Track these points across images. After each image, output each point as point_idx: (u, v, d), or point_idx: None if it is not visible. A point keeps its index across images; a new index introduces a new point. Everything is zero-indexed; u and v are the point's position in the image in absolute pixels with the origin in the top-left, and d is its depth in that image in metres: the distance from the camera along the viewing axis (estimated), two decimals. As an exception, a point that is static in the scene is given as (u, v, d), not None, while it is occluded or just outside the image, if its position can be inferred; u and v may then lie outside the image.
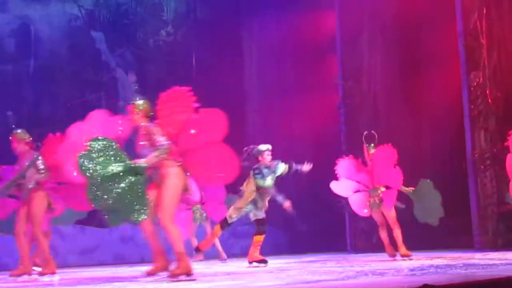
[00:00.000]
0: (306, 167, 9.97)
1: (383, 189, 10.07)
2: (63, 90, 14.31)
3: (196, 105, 7.30)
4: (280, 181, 10.37)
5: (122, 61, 15.02)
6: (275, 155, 14.42)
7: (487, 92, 11.94)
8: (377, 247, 12.71)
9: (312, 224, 13.78)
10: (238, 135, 14.90)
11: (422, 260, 9.43)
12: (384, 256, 10.93)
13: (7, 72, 13.93)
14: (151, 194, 7.09)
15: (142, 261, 12.42)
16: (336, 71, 14.18)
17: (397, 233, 10.04)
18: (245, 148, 9.79)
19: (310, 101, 14.50)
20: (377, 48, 13.84)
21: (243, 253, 12.99)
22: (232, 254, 12.35)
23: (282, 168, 9.95)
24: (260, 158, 9.88)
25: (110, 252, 12.84)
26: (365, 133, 10.48)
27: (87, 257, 12.53)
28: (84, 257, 12.52)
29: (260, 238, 9.85)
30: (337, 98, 14.11)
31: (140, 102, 7.45)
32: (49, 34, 14.40)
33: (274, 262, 10.58)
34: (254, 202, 9.77)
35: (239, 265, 10.36)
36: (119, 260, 12.60)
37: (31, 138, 8.79)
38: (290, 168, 9.96)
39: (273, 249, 13.08)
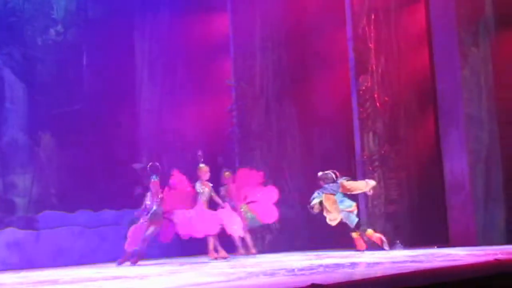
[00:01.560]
0: None
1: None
2: None
3: None
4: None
5: (9, 60, 14.47)
6: (169, 156, 14.35)
7: (375, 96, 12.30)
8: (268, 248, 12.88)
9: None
10: (130, 135, 14.78)
11: (312, 259, 9.59)
12: (275, 256, 11.08)
13: None
14: None
15: (30, 266, 12.02)
16: (229, 73, 14.21)
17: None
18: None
19: (203, 103, 14.50)
20: (268, 51, 13.99)
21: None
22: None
23: None
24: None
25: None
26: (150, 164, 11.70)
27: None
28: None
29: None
30: (230, 100, 14.15)
31: None
32: None
33: (167, 265, 10.49)
34: None
35: (129, 269, 10.20)
36: (4, 266, 12.10)
37: None
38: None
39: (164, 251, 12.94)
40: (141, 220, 11.50)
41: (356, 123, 12.32)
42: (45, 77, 14.62)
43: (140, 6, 15.27)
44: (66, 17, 14.96)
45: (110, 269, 10.42)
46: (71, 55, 14.85)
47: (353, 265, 8.12)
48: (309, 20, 13.57)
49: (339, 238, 11.82)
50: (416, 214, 12.18)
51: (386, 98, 12.33)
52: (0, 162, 13.85)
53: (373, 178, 11.84)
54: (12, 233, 12.40)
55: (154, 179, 11.50)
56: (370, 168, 12.17)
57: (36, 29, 14.58)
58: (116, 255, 11.69)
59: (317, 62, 13.55)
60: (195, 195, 11.71)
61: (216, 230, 11.39)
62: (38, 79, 14.56)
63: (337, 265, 8.16)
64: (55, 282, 8.34)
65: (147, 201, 11.55)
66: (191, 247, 12.54)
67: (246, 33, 14.04)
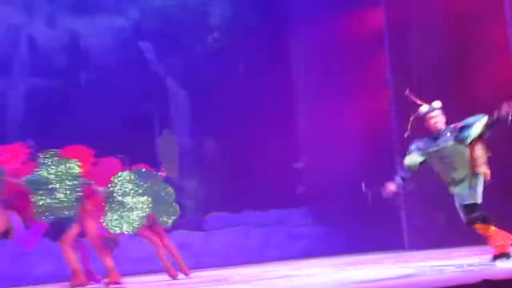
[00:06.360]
0: None
1: None
2: (117, 102, 14.16)
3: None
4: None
5: (171, 70, 15.13)
6: (325, 154, 14.25)
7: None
8: (434, 244, 12.54)
9: (366, 222, 13.58)
10: (287, 136, 14.95)
11: (480, 255, 9.24)
12: (443, 252, 10.79)
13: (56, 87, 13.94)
14: None
15: (199, 266, 12.41)
16: (385, 67, 14.03)
17: None
18: None
19: (359, 99, 14.40)
20: (427, 42, 13.57)
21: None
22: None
23: None
24: None
25: None
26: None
27: None
28: None
29: None
30: (387, 94, 13.93)
31: None
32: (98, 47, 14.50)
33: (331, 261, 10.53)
34: None
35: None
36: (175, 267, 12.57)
37: None
38: None
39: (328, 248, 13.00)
40: None
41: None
42: (203, 87, 15.03)
43: (293, 6, 15.45)
44: (222, 25, 15.42)
45: (277, 267, 10.60)
46: (228, 62, 15.27)
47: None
48: (467, 6, 12.92)
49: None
50: None
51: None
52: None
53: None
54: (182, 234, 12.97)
55: None
56: None
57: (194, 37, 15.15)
58: (282, 254, 11.86)
59: (477, 49, 12.86)
60: None
61: None
62: (198, 87, 15.05)
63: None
64: (226, 279, 8.58)
65: None
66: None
67: (402, 24, 13.73)
